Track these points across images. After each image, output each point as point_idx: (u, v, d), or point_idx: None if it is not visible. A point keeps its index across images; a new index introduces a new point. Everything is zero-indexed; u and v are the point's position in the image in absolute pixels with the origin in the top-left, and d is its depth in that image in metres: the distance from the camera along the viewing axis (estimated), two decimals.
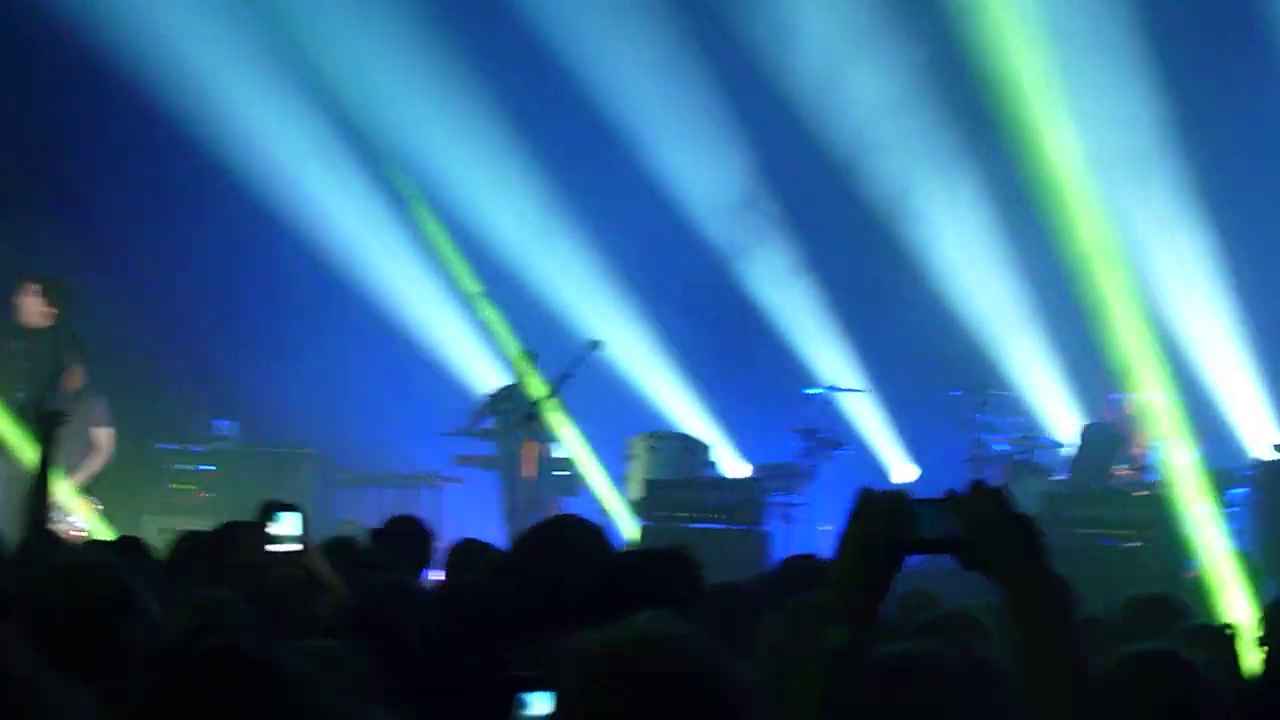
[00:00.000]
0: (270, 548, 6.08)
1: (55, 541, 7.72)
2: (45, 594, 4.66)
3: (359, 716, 3.39)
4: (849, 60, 17.36)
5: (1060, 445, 16.67)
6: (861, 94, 17.43)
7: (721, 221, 18.45)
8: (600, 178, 18.21)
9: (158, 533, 15.60)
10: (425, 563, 7.75)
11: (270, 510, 6.14)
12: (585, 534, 5.17)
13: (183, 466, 17.23)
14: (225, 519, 7.53)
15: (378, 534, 7.90)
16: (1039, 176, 17.21)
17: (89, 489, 14.41)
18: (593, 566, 4.96)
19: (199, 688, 2.53)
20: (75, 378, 13.78)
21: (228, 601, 5.14)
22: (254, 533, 6.11)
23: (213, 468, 17.21)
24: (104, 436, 14.56)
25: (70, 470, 14.38)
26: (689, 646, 2.64)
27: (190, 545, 7.56)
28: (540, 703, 3.25)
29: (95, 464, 14.45)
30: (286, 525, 6.10)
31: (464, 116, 17.91)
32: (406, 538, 7.78)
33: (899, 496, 3.27)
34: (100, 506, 14.34)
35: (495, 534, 13.49)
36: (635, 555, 5.28)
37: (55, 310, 13.86)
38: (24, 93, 17.22)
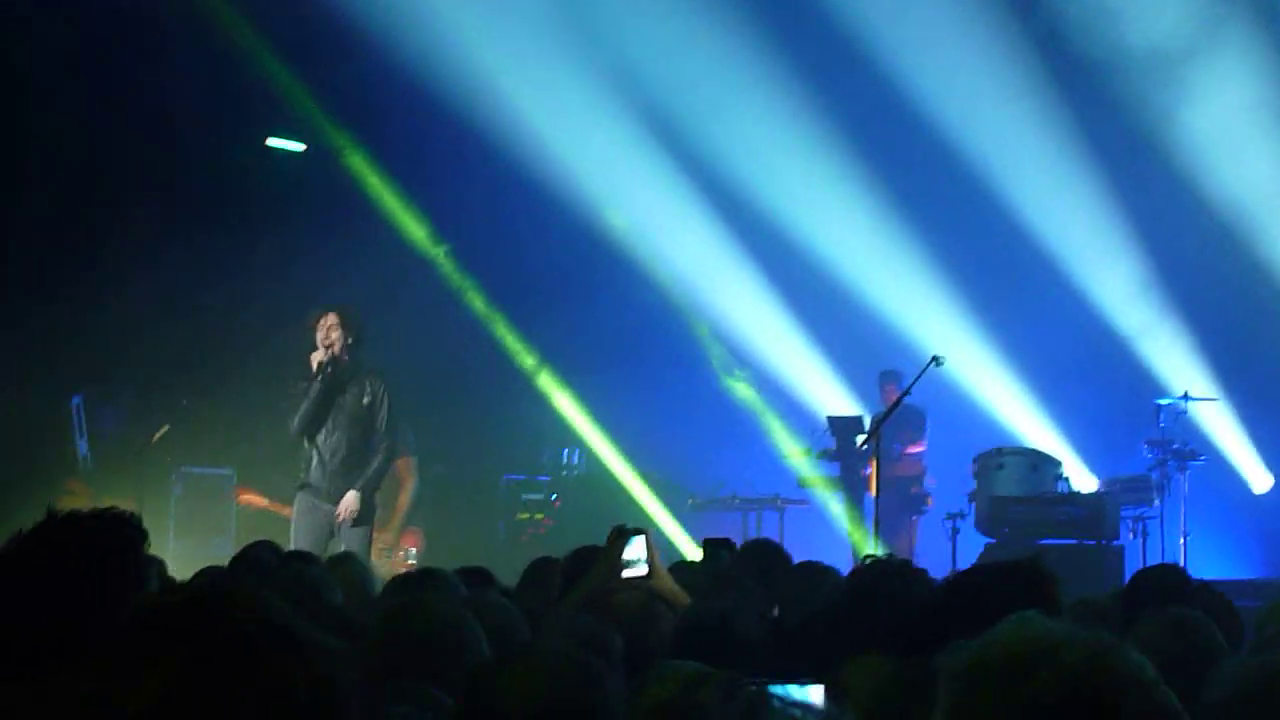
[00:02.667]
0: (624, 573, 6.14)
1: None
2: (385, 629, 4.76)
3: None
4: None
5: None
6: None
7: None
8: (941, 192, 18.09)
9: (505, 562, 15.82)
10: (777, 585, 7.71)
11: (621, 535, 6.20)
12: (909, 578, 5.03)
13: (530, 496, 17.48)
14: (572, 547, 7.58)
15: (735, 556, 7.88)
16: None
17: (409, 520, 14.63)
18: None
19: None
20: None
21: (598, 628, 5.16)
22: (607, 559, 6.16)
23: (558, 496, 17.44)
24: (405, 466, 14.72)
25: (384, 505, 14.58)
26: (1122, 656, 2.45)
27: (540, 572, 7.63)
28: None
29: (404, 496, 14.62)
30: (635, 550, 6.15)
31: (809, 140, 17.93)
32: (762, 559, 7.76)
33: None
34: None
35: (839, 556, 13.44)
36: (986, 568, 5.10)
37: (353, 340, 12.76)
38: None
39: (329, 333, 12.53)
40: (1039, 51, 17.42)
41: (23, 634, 3.70)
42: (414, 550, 14.41)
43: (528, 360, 18.09)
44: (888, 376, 17.09)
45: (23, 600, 3.80)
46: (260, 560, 7.76)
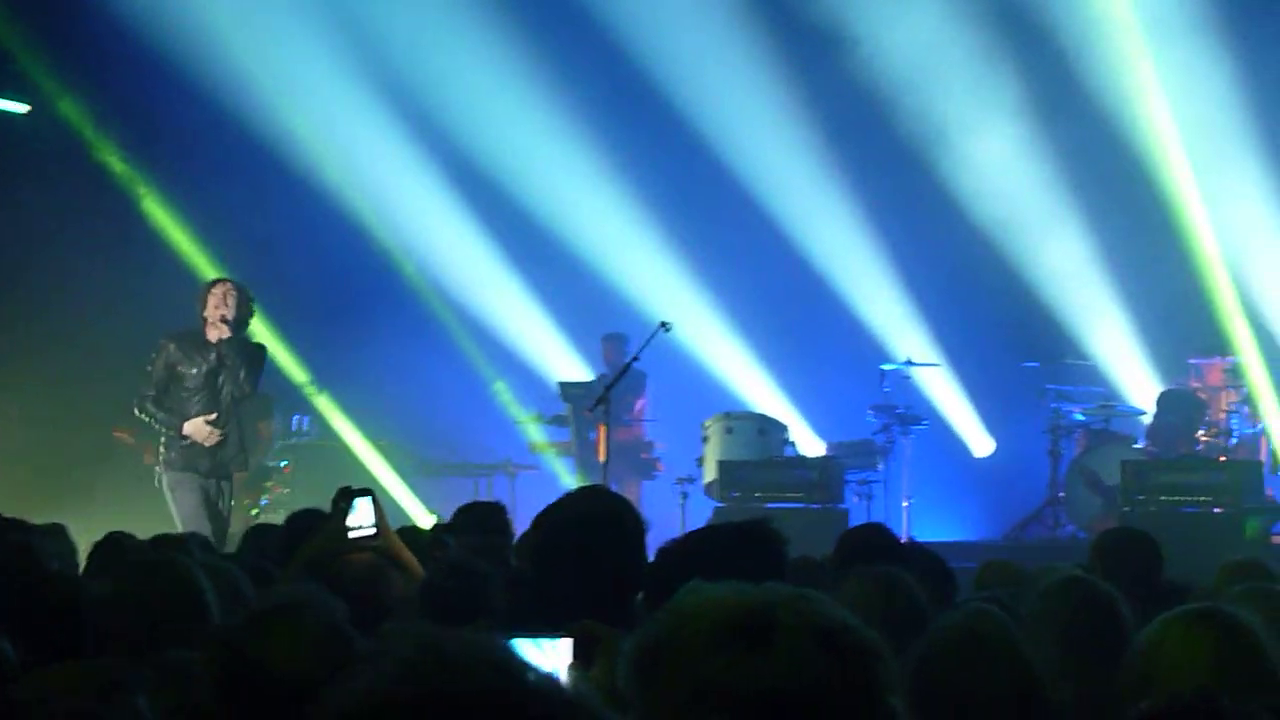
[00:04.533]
0: (351, 535, 6.09)
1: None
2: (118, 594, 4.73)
3: None
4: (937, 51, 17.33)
5: (1140, 412, 16.55)
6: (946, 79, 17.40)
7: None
8: (669, 155, 18.19)
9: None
10: (506, 547, 7.70)
11: (347, 496, 6.16)
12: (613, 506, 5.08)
13: (261, 463, 17.30)
14: None
15: (454, 520, 7.88)
16: (1115, 135, 17.14)
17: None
18: (627, 539, 4.90)
19: None
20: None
21: (314, 592, 5.12)
22: (332, 521, 6.12)
23: (289, 463, 17.26)
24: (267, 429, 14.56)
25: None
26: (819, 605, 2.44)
27: (260, 537, 7.57)
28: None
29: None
30: (362, 511, 6.12)
31: (538, 104, 17.90)
32: (484, 522, 7.74)
33: None
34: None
35: None
36: (717, 528, 5.15)
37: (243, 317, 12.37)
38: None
39: (225, 300, 12.16)
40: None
41: None
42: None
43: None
44: (610, 340, 17.24)
45: None
46: None
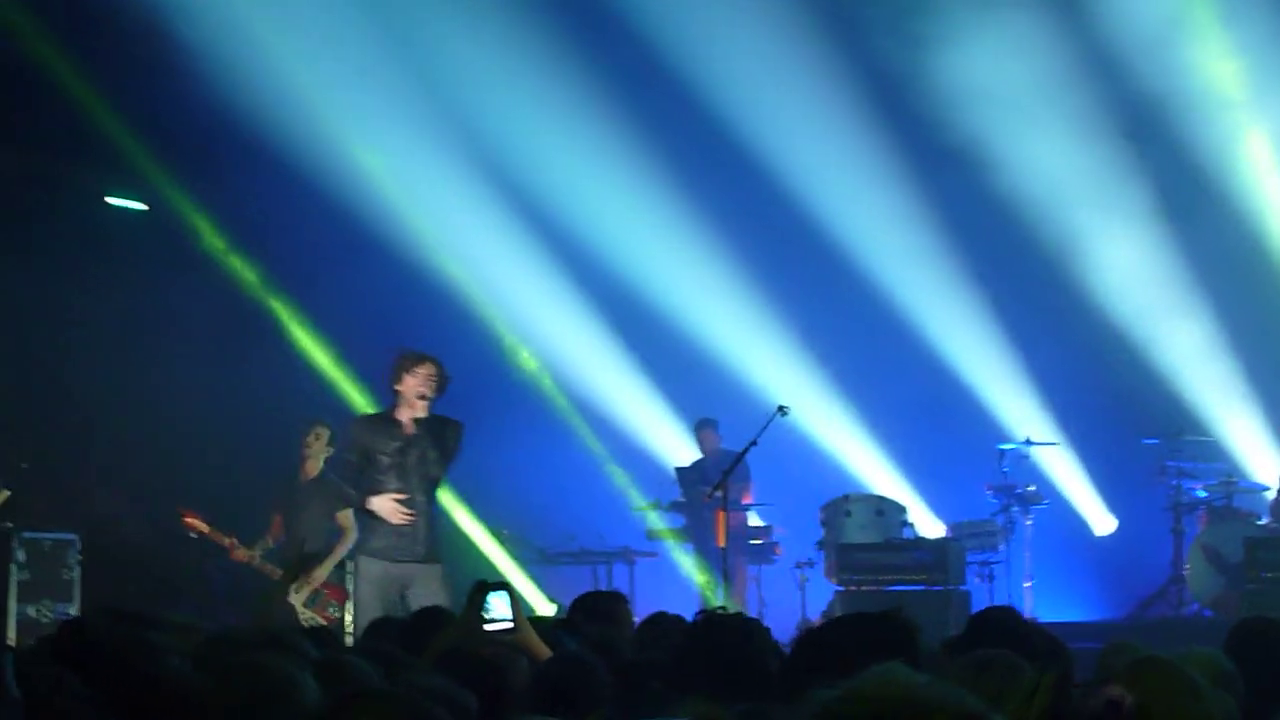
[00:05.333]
0: (487, 628, 6.08)
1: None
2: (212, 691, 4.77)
3: None
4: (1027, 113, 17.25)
5: (1263, 488, 16.35)
6: (1042, 145, 17.31)
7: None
8: (782, 242, 18.20)
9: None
10: (621, 638, 7.67)
11: (483, 590, 6.14)
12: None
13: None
14: None
15: (572, 611, 7.85)
16: (1238, 226, 17.08)
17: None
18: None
19: None
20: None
21: (450, 688, 5.12)
22: (468, 614, 6.11)
23: None
24: (346, 518, 14.24)
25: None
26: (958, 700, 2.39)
27: (380, 632, 7.56)
28: None
29: (341, 547, 14.18)
30: (497, 605, 6.09)
31: (650, 189, 17.93)
32: (601, 614, 7.71)
33: None
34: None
35: (689, 607, 13.42)
36: (850, 618, 5.11)
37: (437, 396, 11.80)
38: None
39: (428, 381, 11.65)
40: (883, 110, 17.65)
41: None
42: (336, 603, 14.07)
43: None
44: (704, 425, 17.27)
45: None
46: (92, 626, 7.57)
